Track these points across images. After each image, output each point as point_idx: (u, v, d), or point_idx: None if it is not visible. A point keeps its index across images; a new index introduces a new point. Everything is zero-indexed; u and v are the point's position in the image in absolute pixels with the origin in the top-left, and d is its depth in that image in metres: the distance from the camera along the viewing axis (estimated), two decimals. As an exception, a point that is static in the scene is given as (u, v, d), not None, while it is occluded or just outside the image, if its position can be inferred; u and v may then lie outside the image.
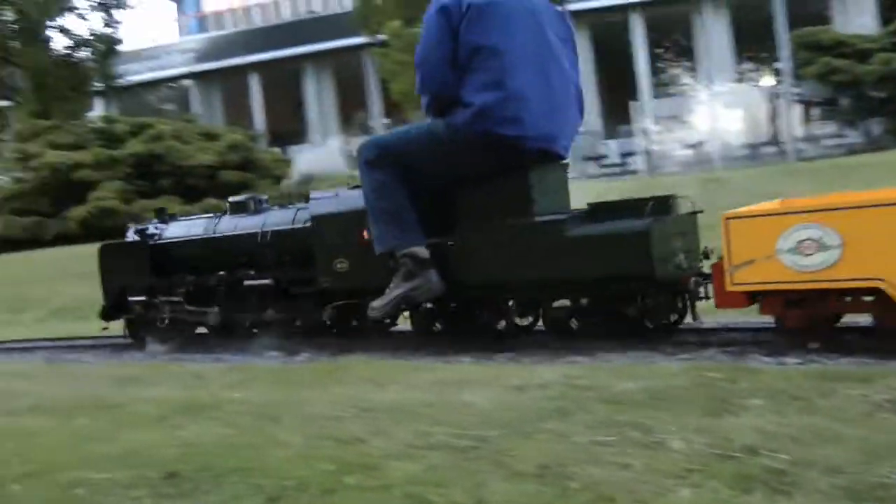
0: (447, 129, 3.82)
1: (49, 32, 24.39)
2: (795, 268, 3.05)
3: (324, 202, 4.34)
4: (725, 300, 3.33)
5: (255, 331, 4.71)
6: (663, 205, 3.59)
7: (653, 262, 3.36)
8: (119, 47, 25.57)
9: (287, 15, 31.39)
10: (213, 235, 5.05)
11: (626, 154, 21.59)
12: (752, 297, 3.31)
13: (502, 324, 4.00)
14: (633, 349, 3.48)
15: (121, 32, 25.54)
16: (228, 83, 29.30)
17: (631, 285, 3.55)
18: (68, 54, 24.78)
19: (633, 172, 19.18)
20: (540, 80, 3.75)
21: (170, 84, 31.01)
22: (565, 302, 3.81)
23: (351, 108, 30.04)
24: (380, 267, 3.88)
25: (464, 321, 4.10)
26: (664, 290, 3.58)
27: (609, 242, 3.48)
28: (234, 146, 20.73)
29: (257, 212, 4.90)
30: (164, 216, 5.67)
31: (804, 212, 3.12)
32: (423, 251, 3.76)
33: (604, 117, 24.63)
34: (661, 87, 26.67)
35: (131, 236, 5.53)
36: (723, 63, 24.66)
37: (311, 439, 2.36)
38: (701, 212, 3.69)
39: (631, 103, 23.06)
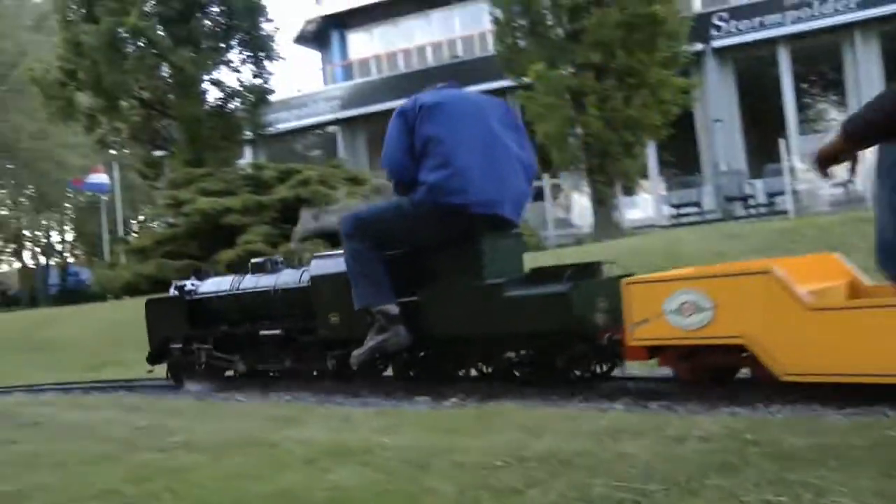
0: (409, 205, 4.56)
1: (203, 85, 25.52)
2: (679, 326, 3.51)
3: (322, 263, 5.03)
4: (630, 354, 3.84)
5: (274, 375, 5.50)
6: (588, 270, 4.38)
7: (572, 319, 3.94)
8: (271, 97, 26.52)
9: (431, 61, 31.92)
10: (236, 292, 5.78)
11: (773, 194, 20.81)
12: (650, 352, 3.78)
13: (462, 371, 4.61)
14: (796, 402, 3.29)
15: (271, 83, 26.43)
16: (374, 128, 29.92)
17: (556, 339, 4.12)
18: (221, 105, 25.84)
19: (782, 213, 18.47)
20: (483, 159, 4.48)
21: (316, 131, 31.92)
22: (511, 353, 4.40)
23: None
24: (364, 321, 4.52)
25: (433, 368, 4.68)
26: (586, 344, 4.09)
27: (537, 302, 4.12)
28: (379, 189, 21.09)
29: (273, 271, 5.64)
30: (201, 274, 6.45)
31: (684, 279, 3.62)
32: (393, 308, 4.44)
33: (749, 156, 23.90)
34: (809, 123, 25.75)
35: (172, 292, 6.23)
36: (873, 96, 23.57)
37: (465, 489, 2.28)
38: (630, 274, 4.14)
39: (779, 141, 22.36)
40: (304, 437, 3.19)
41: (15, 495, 2.82)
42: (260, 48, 25.45)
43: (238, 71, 26.14)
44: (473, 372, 4.55)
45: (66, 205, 50.09)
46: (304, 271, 5.29)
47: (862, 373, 3.16)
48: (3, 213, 45.13)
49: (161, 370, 6.14)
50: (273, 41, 25.73)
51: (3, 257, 52.72)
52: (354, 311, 4.54)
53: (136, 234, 35.29)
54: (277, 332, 5.33)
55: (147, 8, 23.56)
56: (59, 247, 50.18)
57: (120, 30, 23.25)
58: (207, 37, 24.22)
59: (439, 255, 4.54)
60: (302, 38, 35.67)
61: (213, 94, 25.83)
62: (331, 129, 31.48)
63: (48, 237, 54.30)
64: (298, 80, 52.16)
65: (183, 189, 20.76)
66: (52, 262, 47.06)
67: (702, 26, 21.72)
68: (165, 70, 24.68)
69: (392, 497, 2.26)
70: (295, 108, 31.46)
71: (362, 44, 34.26)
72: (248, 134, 26.86)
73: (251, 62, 25.87)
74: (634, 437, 2.67)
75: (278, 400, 4.64)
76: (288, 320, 5.31)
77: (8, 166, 47.85)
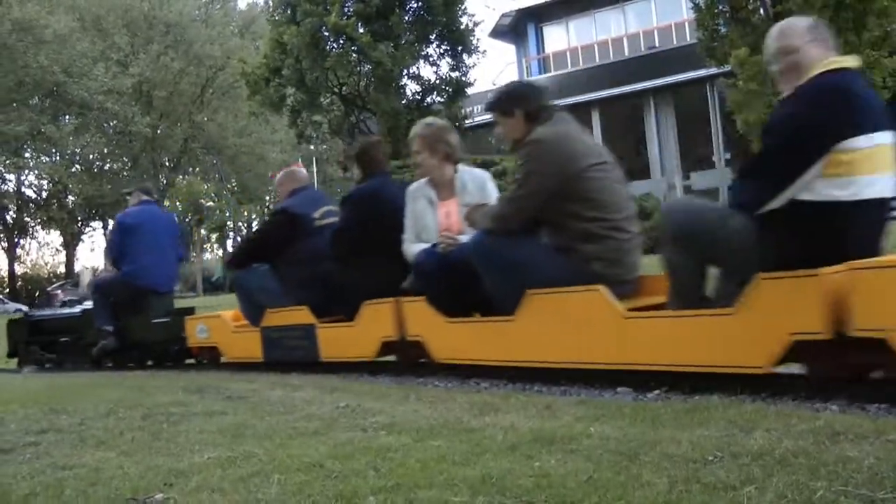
0: None
1: (402, 80, 26.13)
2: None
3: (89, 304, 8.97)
4: None
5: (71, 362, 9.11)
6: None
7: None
8: (468, 90, 26.84)
9: (627, 52, 31.46)
10: (48, 316, 10.14)
11: None
12: None
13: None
14: None
15: (469, 76, 26.76)
16: (572, 121, 29.77)
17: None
18: (419, 98, 26.38)
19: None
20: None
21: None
22: None
23: (691, 143, 29.44)
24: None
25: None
26: None
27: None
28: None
29: (71, 305, 10.45)
30: (48, 299, 13.58)
31: None
32: (109, 328, 8.23)
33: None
34: None
35: (24, 314, 10.93)
36: None
37: (676, 482, 2.20)
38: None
39: None
40: (506, 423, 3.18)
41: (225, 461, 2.95)
42: (458, 41, 25.83)
43: (436, 65, 26.65)
44: None
45: (266, 197, 52.53)
46: (83, 307, 9.18)
47: None
48: (210, 204, 47.73)
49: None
50: (472, 34, 26.04)
51: (207, 246, 55.87)
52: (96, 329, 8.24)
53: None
54: (68, 339, 9.05)
55: (347, 7, 24.30)
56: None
57: (322, 29, 24.11)
58: (406, 32, 24.72)
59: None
60: (497, 32, 35.93)
61: (411, 88, 26.43)
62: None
63: (249, 227, 57.11)
64: (493, 74, 52.60)
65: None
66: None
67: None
68: (365, 65, 25.42)
69: (600, 486, 2.21)
70: (490, 102, 31.65)
71: (558, 37, 34.16)
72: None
73: (449, 56, 26.29)
74: (855, 440, 2.51)
75: (476, 386, 4.65)
76: (73, 333, 8.96)
77: (213, 162, 50.71)
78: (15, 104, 40.35)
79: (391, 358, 5.60)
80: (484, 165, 21.13)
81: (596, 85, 29.60)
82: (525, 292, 4.39)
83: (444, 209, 5.43)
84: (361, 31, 24.51)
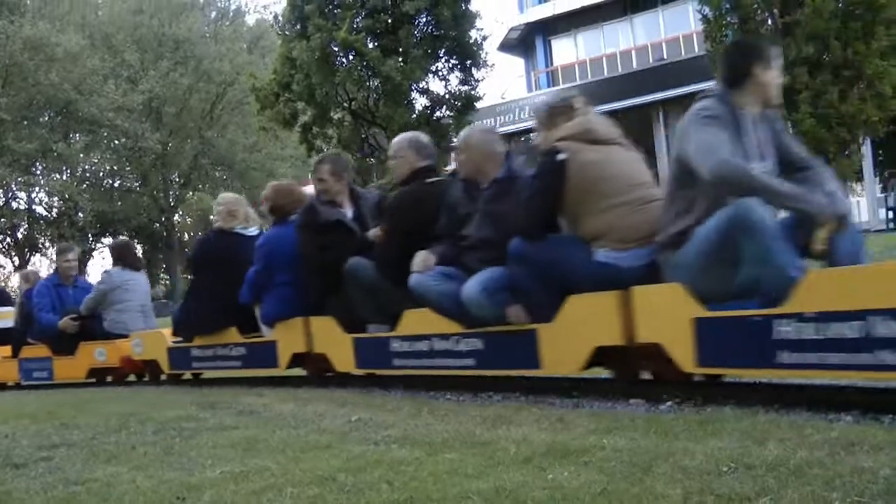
0: None
1: (412, 94, 26.15)
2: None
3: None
4: None
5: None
6: None
7: None
8: (477, 104, 26.84)
9: (635, 64, 31.47)
10: None
11: None
12: None
13: None
14: None
15: (479, 90, 26.78)
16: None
17: None
18: (429, 113, 26.39)
19: None
20: None
21: (521, 137, 32.08)
22: None
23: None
24: None
25: None
26: None
27: None
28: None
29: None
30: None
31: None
32: None
33: None
34: None
35: None
36: None
37: (690, 493, 2.18)
38: None
39: None
40: (519, 435, 3.17)
41: (238, 475, 2.95)
42: (467, 56, 25.86)
43: (446, 79, 26.67)
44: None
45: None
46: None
47: None
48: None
49: None
50: (480, 49, 26.07)
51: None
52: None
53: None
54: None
55: (357, 22, 24.34)
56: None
57: (331, 44, 24.17)
58: (415, 47, 24.75)
59: None
60: (506, 46, 35.98)
61: (420, 102, 26.45)
62: (535, 135, 31.52)
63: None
64: (502, 88, 52.73)
65: (391, 194, 21.30)
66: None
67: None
68: (374, 80, 25.46)
69: (615, 498, 2.20)
70: (500, 115, 31.74)
71: (566, 50, 34.19)
72: (455, 141, 27.30)
73: (458, 70, 26.32)
74: (871, 451, 2.49)
75: (488, 399, 4.64)
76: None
77: (223, 177, 50.78)
78: (26, 122, 40.50)
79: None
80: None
81: (604, 97, 29.52)
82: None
83: None
84: (371, 46, 24.55)
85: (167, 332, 7.66)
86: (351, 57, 24.87)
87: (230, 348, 6.85)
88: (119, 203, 45.32)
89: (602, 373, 4.61)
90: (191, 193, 48.29)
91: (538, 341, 4.39)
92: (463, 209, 4.97)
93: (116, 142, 45.32)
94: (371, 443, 3.39)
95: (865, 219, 24.21)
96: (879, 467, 2.28)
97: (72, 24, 41.74)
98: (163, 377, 7.90)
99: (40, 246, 46.36)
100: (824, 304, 3.23)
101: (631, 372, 4.16)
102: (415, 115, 25.90)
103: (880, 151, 25.38)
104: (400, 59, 24.54)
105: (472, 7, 25.46)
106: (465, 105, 26.38)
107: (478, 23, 25.86)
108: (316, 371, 6.21)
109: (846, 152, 18.37)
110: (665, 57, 30.50)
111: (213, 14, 50.81)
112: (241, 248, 6.77)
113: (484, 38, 26.36)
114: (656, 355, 3.81)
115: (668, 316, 3.77)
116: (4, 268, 48.59)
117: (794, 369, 3.39)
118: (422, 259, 4.93)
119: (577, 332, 4.18)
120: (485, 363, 4.72)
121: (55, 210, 46.88)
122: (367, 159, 26.88)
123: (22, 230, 46.39)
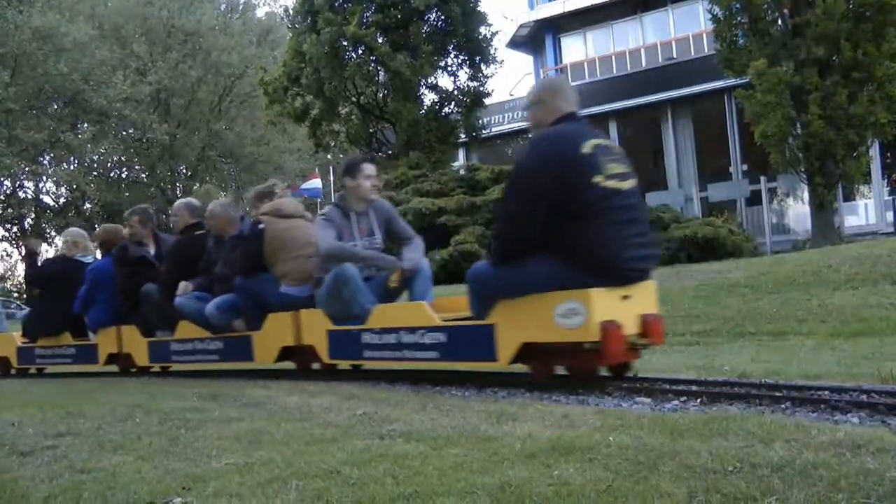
0: None
1: (421, 90, 26.15)
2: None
3: None
4: None
5: None
6: None
7: None
8: (486, 100, 26.84)
9: (644, 63, 31.42)
10: None
11: None
12: None
13: None
14: None
15: (487, 86, 26.76)
16: (589, 132, 29.71)
17: None
18: (437, 108, 26.40)
19: None
20: None
21: (529, 134, 32.09)
22: None
23: (709, 155, 29.37)
24: None
25: None
26: None
27: None
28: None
29: None
30: None
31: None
32: None
33: None
34: None
35: None
36: None
37: (695, 492, 2.18)
38: None
39: None
40: (524, 432, 3.17)
41: (243, 467, 2.96)
42: (476, 52, 25.86)
43: (454, 75, 26.67)
44: None
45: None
46: None
47: None
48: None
49: None
50: (490, 45, 26.08)
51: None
52: None
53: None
54: None
55: (367, 17, 24.35)
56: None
57: (341, 38, 24.18)
58: (425, 42, 24.75)
59: None
60: (515, 43, 35.96)
61: (429, 98, 26.46)
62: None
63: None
64: (511, 84, 52.69)
65: (399, 190, 21.31)
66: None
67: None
68: (383, 75, 25.47)
69: (620, 495, 2.20)
70: (508, 112, 31.74)
71: (576, 48, 34.17)
72: (462, 136, 27.30)
73: (467, 66, 26.32)
74: (877, 453, 2.49)
75: (493, 395, 4.64)
76: None
77: (230, 170, 50.85)
78: (34, 112, 40.55)
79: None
80: (502, 176, 21.15)
81: (613, 96, 29.57)
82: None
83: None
84: (380, 40, 24.57)
85: (17, 334, 9.85)
86: (360, 51, 24.90)
87: (65, 348, 9.04)
88: (126, 194, 45.37)
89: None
90: (198, 185, 48.28)
91: (252, 343, 6.63)
92: (214, 255, 7.13)
93: (124, 133, 45.38)
94: (376, 437, 3.38)
95: (872, 221, 24.18)
96: (885, 469, 2.27)
97: (81, 15, 41.73)
98: (12, 371, 9.94)
99: (46, 235, 46.43)
100: (384, 323, 5.48)
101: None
102: (423, 111, 25.90)
103: (888, 154, 25.33)
104: (409, 55, 24.54)
105: (482, 5, 25.48)
106: (473, 101, 26.39)
107: (487, 19, 25.82)
108: (125, 366, 8.28)
109: (854, 154, 18.34)
110: (674, 56, 30.46)
111: (223, 6, 50.81)
112: (78, 272, 8.75)
113: (493, 34, 26.37)
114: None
115: (316, 328, 6.03)
116: (11, 256, 48.73)
117: (373, 360, 5.67)
118: (182, 287, 7.18)
119: (272, 336, 6.43)
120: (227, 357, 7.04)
121: (62, 200, 46.99)
122: (377, 154, 26.88)
123: (29, 220, 46.48)
